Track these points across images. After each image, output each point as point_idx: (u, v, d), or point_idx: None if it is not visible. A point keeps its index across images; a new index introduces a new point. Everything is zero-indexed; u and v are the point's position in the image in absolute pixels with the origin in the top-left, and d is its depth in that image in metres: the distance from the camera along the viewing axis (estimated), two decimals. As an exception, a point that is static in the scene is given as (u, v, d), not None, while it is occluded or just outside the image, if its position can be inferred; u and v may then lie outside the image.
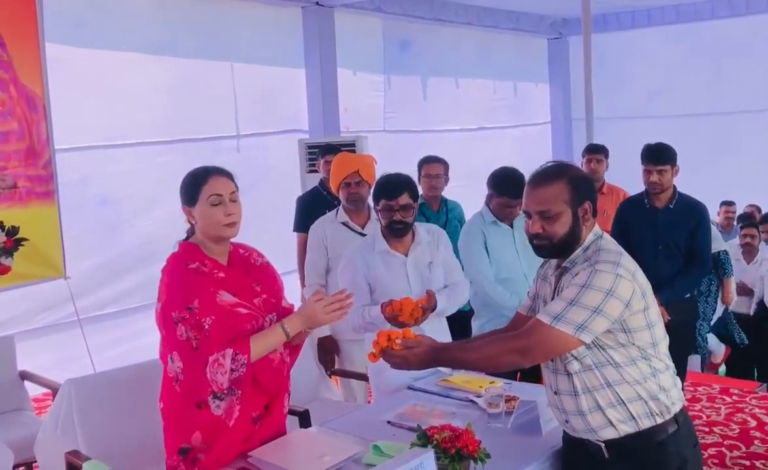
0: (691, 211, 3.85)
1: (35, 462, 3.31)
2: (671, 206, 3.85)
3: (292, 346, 2.34)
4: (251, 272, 2.33)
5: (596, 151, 5.18)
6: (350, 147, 5.89)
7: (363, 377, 3.68)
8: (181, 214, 2.33)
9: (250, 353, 2.15)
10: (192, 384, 2.16)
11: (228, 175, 2.27)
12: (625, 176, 5.28)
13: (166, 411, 2.26)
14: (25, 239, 4.40)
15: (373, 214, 3.71)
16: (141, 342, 5.66)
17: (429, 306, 2.88)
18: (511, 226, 3.61)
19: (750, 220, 6.03)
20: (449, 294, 3.06)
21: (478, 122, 8.73)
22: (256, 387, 2.23)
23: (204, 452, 2.20)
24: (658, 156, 3.81)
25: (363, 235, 3.65)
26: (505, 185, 3.49)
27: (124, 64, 5.60)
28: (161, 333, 2.22)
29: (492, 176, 3.58)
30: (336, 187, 3.75)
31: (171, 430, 2.24)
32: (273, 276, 2.39)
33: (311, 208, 4.66)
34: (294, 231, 4.68)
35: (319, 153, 4.96)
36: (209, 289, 2.15)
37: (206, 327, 2.11)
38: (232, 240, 2.30)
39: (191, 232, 2.30)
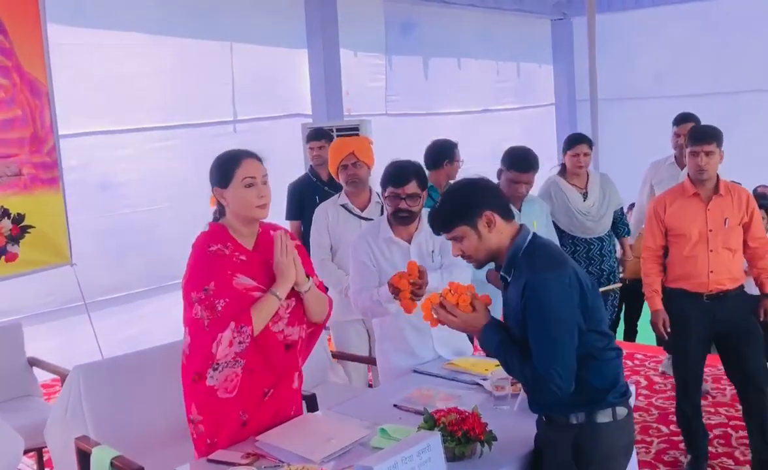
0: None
1: (45, 447, 3.34)
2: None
3: (313, 325, 2.44)
4: None
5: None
6: (354, 131, 5.86)
7: (362, 359, 3.69)
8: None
9: (253, 323, 2.21)
10: (195, 359, 2.26)
11: (259, 158, 2.32)
12: (630, 160, 5.21)
13: (182, 381, 2.39)
14: (31, 226, 4.42)
15: (374, 196, 3.71)
16: (145, 326, 5.69)
17: (424, 281, 2.74)
18: (519, 210, 3.61)
19: (759, 201, 5.92)
20: (443, 275, 2.94)
21: (482, 104, 8.68)
22: (266, 363, 2.30)
23: (203, 424, 2.30)
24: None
25: (362, 217, 3.65)
26: (514, 158, 3.57)
27: (123, 46, 5.57)
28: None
29: (506, 151, 3.66)
30: (335, 172, 3.75)
31: (185, 399, 2.37)
32: (304, 255, 2.45)
33: (302, 195, 4.66)
34: (286, 219, 4.67)
35: (307, 139, 4.91)
36: (226, 272, 2.23)
37: (219, 309, 2.19)
38: (263, 221, 2.36)
39: (220, 214, 2.36)
